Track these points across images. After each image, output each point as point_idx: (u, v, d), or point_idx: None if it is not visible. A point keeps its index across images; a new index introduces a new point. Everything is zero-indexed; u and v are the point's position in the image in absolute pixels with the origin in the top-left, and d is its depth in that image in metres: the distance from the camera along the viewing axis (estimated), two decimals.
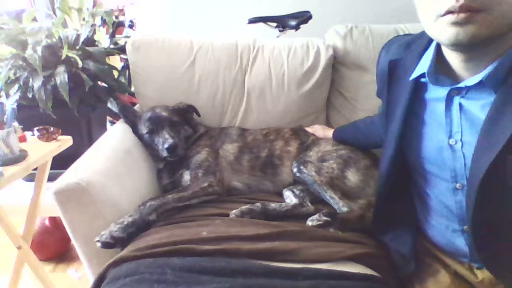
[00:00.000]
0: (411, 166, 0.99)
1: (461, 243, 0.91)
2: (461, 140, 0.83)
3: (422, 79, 0.88)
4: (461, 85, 0.80)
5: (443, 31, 0.72)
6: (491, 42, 0.73)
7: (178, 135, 1.43)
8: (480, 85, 0.77)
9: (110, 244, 1.09)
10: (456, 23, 0.69)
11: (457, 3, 0.67)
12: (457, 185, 0.86)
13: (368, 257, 1.02)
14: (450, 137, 0.85)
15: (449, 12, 0.69)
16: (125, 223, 1.12)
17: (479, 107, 0.79)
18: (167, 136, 1.38)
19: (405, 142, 0.94)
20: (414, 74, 0.88)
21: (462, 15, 0.67)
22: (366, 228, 1.13)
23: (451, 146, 0.85)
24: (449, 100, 0.83)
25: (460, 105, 0.82)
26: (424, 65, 0.85)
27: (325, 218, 1.12)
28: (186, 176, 1.37)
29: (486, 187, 0.76)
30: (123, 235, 1.10)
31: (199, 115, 1.56)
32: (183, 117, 1.50)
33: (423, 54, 0.88)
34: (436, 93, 0.87)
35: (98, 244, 1.09)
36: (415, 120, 0.92)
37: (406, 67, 0.92)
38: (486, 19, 0.67)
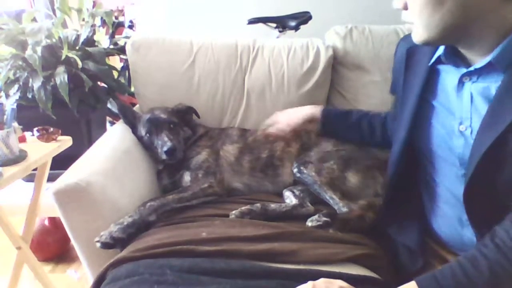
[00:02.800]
0: (420, 152, 0.99)
1: (468, 232, 0.90)
2: (470, 126, 0.84)
3: (437, 66, 0.90)
4: (471, 68, 0.81)
5: None
6: (463, 36, 0.77)
7: (177, 137, 1.43)
8: (490, 68, 0.78)
9: (110, 244, 1.09)
10: (410, 29, 0.82)
11: (402, 18, 0.82)
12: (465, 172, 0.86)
13: (368, 258, 1.01)
14: (460, 123, 0.85)
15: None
16: (125, 223, 1.12)
17: (490, 92, 0.80)
18: (165, 139, 1.38)
19: (415, 127, 0.96)
20: (433, 58, 0.90)
21: (406, 25, 0.80)
22: (366, 229, 1.13)
23: (461, 132, 0.85)
24: (460, 86, 0.85)
25: (471, 90, 0.83)
26: (441, 49, 0.88)
27: (324, 218, 1.12)
28: (186, 177, 1.37)
29: (485, 163, 0.77)
30: (123, 236, 1.10)
31: (198, 117, 1.56)
32: (182, 119, 1.50)
33: None
34: (448, 79, 0.88)
35: (98, 245, 1.09)
36: (427, 106, 0.93)
37: (423, 53, 0.94)
38: (421, 26, 0.78)
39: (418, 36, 0.80)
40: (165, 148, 1.36)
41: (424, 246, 1.00)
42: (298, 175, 1.31)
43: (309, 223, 1.12)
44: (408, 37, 1.04)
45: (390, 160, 1.05)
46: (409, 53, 0.98)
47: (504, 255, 0.70)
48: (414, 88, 0.94)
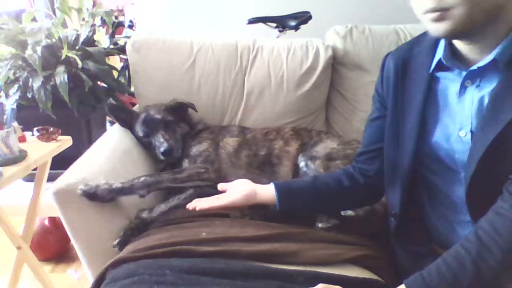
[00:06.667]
0: (419, 159, 0.97)
1: None
2: (471, 131, 0.83)
3: (436, 73, 0.89)
4: (474, 67, 0.80)
5: (428, 26, 0.79)
6: (481, 29, 0.76)
7: (174, 135, 1.44)
8: (493, 67, 0.78)
9: (90, 195, 1.09)
10: (434, 20, 0.76)
11: (429, 6, 0.75)
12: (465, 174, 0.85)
13: (368, 259, 1.01)
14: (460, 129, 0.85)
15: (427, 11, 0.76)
16: (113, 186, 1.13)
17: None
18: (161, 140, 1.39)
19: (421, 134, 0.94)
20: (433, 64, 0.89)
21: (436, 14, 0.75)
22: (369, 230, 1.13)
23: (461, 137, 0.85)
24: (462, 91, 0.84)
25: (473, 95, 0.83)
26: (440, 53, 0.87)
27: (335, 220, 1.11)
28: (185, 164, 1.39)
29: (485, 161, 0.77)
30: (106, 196, 1.11)
31: (196, 111, 1.54)
32: (178, 115, 1.50)
33: (438, 44, 0.89)
34: (449, 86, 0.87)
35: (79, 192, 1.08)
36: (428, 112, 0.92)
37: (419, 61, 0.93)
38: (458, 14, 0.73)
39: (448, 25, 0.74)
40: (161, 150, 1.37)
41: (431, 250, 0.99)
42: (304, 169, 1.31)
43: (319, 225, 1.11)
44: (395, 52, 1.01)
45: (401, 170, 0.97)
46: (404, 62, 0.95)
47: (487, 248, 0.70)
48: (416, 95, 0.92)
